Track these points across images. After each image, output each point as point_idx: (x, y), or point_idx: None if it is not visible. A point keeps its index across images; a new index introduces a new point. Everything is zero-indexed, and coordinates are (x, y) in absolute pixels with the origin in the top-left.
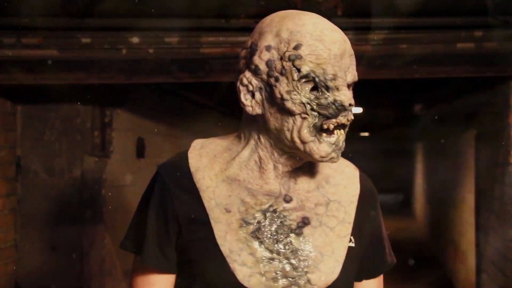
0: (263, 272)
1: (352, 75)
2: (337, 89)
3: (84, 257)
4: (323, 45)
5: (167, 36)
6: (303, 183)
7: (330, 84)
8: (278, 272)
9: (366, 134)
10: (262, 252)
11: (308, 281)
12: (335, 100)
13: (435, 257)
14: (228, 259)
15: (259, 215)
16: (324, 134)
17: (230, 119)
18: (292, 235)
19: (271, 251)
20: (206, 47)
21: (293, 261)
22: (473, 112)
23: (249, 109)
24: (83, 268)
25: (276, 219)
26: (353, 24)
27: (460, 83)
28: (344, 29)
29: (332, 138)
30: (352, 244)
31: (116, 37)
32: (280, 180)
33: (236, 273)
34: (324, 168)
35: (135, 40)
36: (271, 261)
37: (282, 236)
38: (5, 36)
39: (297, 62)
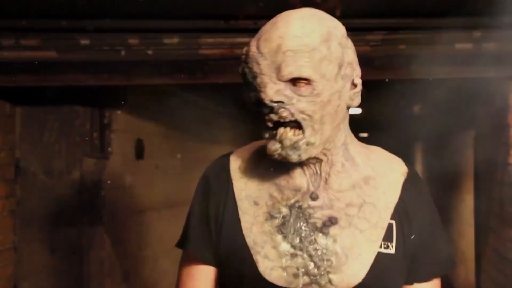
0: (284, 267)
1: (286, 72)
2: (260, 87)
3: (83, 259)
4: (256, 44)
5: (166, 38)
6: (335, 182)
7: (253, 82)
8: (300, 269)
9: (365, 134)
10: (285, 246)
11: (330, 281)
12: (257, 98)
13: None
14: (252, 251)
15: (285, 210)
16: (274, 132)
17: (230, 120)
18: (318, 233)
19: (294, 247)
20: (205, 48)
21: (316, 259)
22: (472, 113)
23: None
24: (82, 270)
25: (301, 216)
26: (351, 25)
27: (459, 83)
28: None
29: (277, 136)
30: (391, 251)
31: (115, 38)
32: (308, 177)
33: (258, 265)
34: (366, 169)
35: (134, 41)
36: (293, 257)
37: (306, 233)
38: (4, 38)
39: (241, 62)
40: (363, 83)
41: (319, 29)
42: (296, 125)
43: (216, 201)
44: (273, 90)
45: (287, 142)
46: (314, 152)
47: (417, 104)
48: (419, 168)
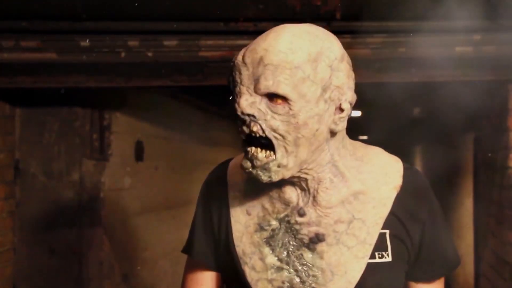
0: (270, 279)
1: (263, 86)
2: (236, 96)
3: (82, 260)
4: (243, 52)
5: (166, 40)
6: (323, 199)
7: (233, 90)
8: (285, 282)
9: (365, 137)
10: (271, 259)
11: None
12: (234, 108)
13: None
14: (241, 261)
15: (274, 223)
16: (248, 149)
17: (230, 123)
18: (305, 249)
19: (280, 260)
20: (204, 50)
21: (301, 274)
22: (472, 116)
23: None
24: (81, 272)
25: (289, 231)
26: (352, 27)
27: (459, 86)
28: (343, 32)
29: (248, 155)
30: (387, 260)
31: (115, 40)
32: (298, 192)
33: (246, 275)
34: (355, 184)
35: (134, 43)
36: (279, 270)
37: (293, 248)
38: (4, 39)
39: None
40: (363, 86)
41: (308, 48)
42: (269, 143)
43: (216, 208)
44: (247, 102)
45: (257, 163)
46: (287, 174)
47: (416, 107)
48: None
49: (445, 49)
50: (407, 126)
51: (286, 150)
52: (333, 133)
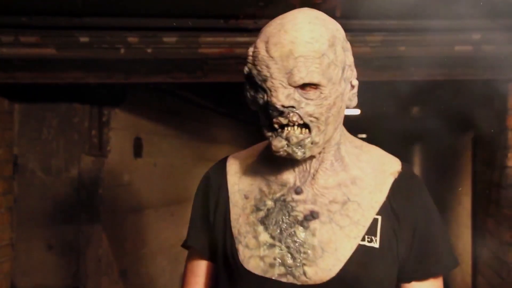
0: (262, 256)
1: (298, 78)
2: (270, 91)
3: (80, 257)
4: (264, 47)
5: (165, 36)
6: (322, 178)
7: (263, 85)
8: (276, 259)
9: (364, 136)
10: (264, 237)
11: (304, 273)
12: (267, 101)
13: None
14: (235, 240)
15: (270, 203)
16: (280, 130)
17: (229, 120)
18: (298, 226)
19: (273, 238)
20: (204, 47)
21: (293, 251)
22: (471, 115)
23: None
24: (79, 268)
25: (284, 208)
26: (352, 25)
27: (458, 85)
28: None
29: (283, 133)
30: (374, 245)
31: (115, 36)
32: (296, 173)
33: (239, 254)
34: (353, 170)
35: (134, 39)
36: (271, 247)
37: (286, 225)
38: (3, 34)
39: (247, 62)
40: (363, 85)
41: (326, 34)
42: (303, 124)
43: (214, 197)
44: (284, 95)
45: (293, 140)
46: (316, 150)
47: (416, 106)
48: (417, 169)
49: (444, 48)
50: (406, 125)
51: (319, 129)
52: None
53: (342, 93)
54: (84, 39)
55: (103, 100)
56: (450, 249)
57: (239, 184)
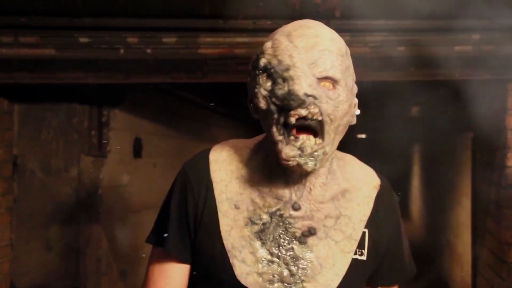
0: (260, 272)
1: (322, 69)
2: (293, 79)
3: (80, 257)
4: (286, 39)
5: (165, 36)
6: (318, 194)
7: (285, 74)
8: (275, 276)
9: (363, 136)
10: (262, 253)
11: None
12: (289, 90)
13: (431, 259)
14: (229, 254)
15: (265, 217)
16: (292, 138)
17: (229, 120)
18: (296, 242)
19: (271, 254)
20: (204, 47)
21: (291, 268)
22: (470, 115)
23: (252, 113)
24: (79, 268)
25: (281, 224)
26: (351, 26)
27: (458, 85)
28: (342, 30)
29: (297, 143)
30: (363, 258)
31: (114, 36)
32: (292, 187)
33: (235, 269)
34: (344, 182)
35: (133, 40)
36: (270, 264)
37: (284, 241)
38: (2, 35)
39: (260, 58)
40: (362, 85)
41: (342, 41)
42: (312, 132)
43: (195, 201)
44: (307, 83)
45: (308, 150)
46: (325, 163)
47: (415, 106)
48: (417, 169)
49: (444, 48)
50: (405, 125)
51: (330, 137)
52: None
53: (351, 105)
54: (83, 39)
55: (102, 100)
56: (411, 259)
57: (226, 193)
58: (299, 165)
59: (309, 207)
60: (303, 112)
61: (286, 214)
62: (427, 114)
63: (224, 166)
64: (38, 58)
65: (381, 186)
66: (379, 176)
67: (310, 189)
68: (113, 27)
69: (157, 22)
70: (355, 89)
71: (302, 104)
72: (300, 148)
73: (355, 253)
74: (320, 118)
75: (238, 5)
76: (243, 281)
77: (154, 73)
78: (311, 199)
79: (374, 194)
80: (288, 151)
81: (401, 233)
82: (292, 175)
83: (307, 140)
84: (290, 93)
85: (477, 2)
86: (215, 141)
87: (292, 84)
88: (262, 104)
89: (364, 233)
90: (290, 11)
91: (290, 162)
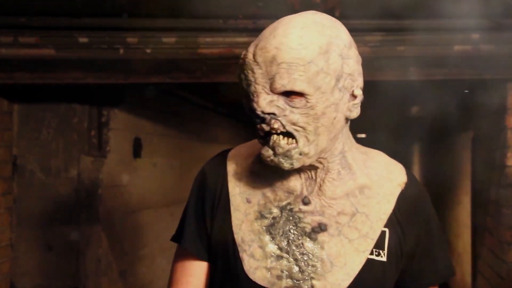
0: (269, 268)
1: (279, 85)
2: (253, 95)
3: (80, 257)
4: (253, 50)
5: (164, 36)
6: (329, 189)
7: (248, 89)
8: (284, 271)
9: (363, 135)
10: (272, 247)
11: (312, 287)
12: (249, 107)
13: None
14: (239, 248)
15: (276, 211)
16: (268, 138)
17: (229, 120)
18: (306, 238)
19: (280, 249)
20: (203, 47)
21: (301, 264)
22: (470, 114)
23: (246, 111)
24: (79, 268)
25: (291, 219)
26: (351, 25)
27: (457, 85)
28: None
29: (270, 143)
30: (382, 259)
31: (114, 36)
32: (303, 181)
33: (244, 263)
34: (361, 178)
35: (133, 40)
36: (279, 259)
37: (294, 236)
38: (2, 35)
39: (239, 65)
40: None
41: (319, 40)
42: (289, 133)
43: (211, 197)
44: (265, 101)
45: (279, 150)
46: (307, 161)
47: (415, 106)
48: (417, 169)
49: (444, 47)
50: (405, 125)
51: (308, 139)
52: (346, 121)
53: (336, 103)
54: (83, 39)
55: (102, 100)
56: (448, 259)
57: (240, 187)
58: (276, 164)
59: (320, 203)
60: (265, 127)
61: (296, 209)
62: (427, 113)
63: (240, 161)
64: (37, 58)
65: (407, 184)
66: (407, 173)
67: (320, 184)
68: (112, 27)
69: (157, 22)
70: (350, 81)
71: (263, 120)
72: (272, 148)
73: (371, 253)
74: (284, 130)
75: (237, 5)
76: (251, 276)
77: (154, 73)
78: (321, 195)
79: (397, 192)
80: (264, 151)
81: (433, 233)
82: (304, 171)
83: (277, 140)
84: (251, 110)
85: (477, 0)
86: (215, 141)
87: (252, 102)
88: (246, 110)
89: (383, 232)
90: (290, 11)
91: (269, 162)
